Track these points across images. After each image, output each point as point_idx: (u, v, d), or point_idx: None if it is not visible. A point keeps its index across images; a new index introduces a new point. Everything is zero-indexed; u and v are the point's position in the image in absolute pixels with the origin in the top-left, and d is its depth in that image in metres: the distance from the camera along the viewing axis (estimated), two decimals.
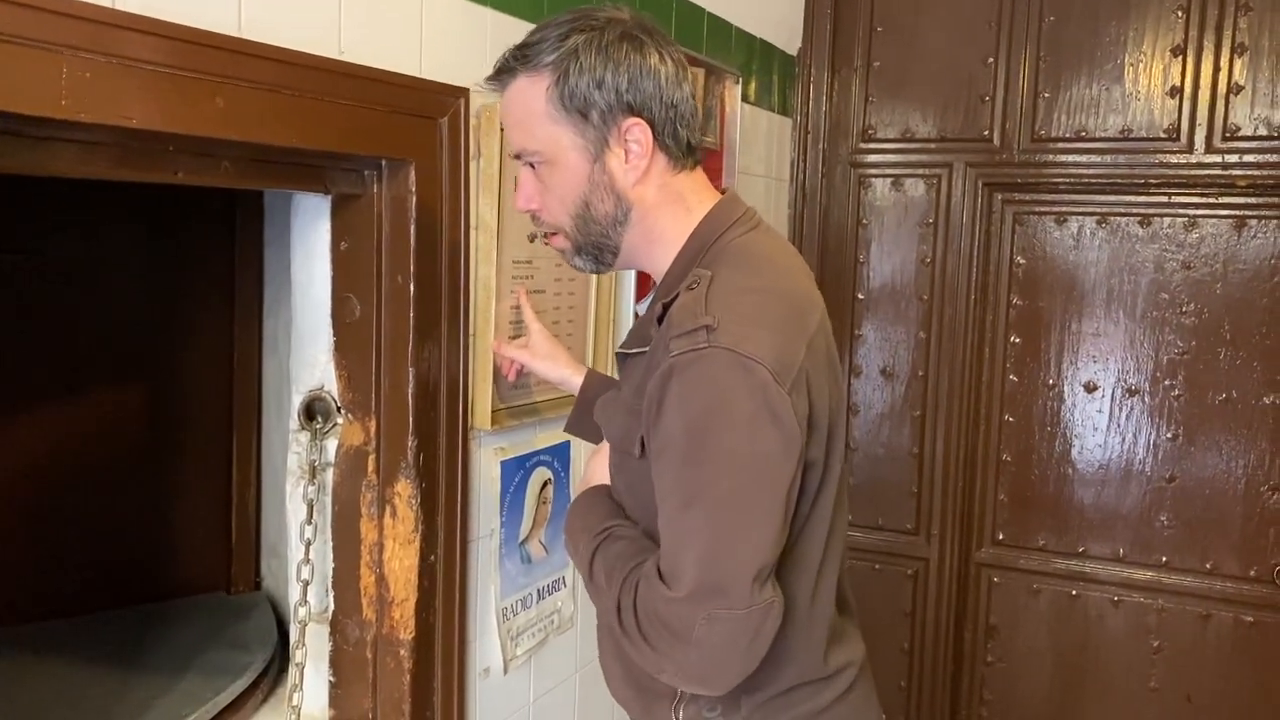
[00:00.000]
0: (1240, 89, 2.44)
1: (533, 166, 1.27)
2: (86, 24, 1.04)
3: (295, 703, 1.51)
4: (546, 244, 1.36)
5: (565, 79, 1.19)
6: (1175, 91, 2.49)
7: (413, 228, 1.51)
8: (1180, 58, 2.48)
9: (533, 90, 1.22)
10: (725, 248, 1.24)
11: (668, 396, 1.11)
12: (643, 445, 1.18)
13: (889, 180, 2.79)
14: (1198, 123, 2.48)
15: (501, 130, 1.58)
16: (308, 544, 1.55)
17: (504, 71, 1.25)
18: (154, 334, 1.87)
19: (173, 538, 1.92)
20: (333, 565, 1.61)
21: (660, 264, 1.29)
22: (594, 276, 1.89)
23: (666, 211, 1.27)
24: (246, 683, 1.61)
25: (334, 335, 1.57)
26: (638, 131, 1.21)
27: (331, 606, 1.62)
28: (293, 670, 1.52)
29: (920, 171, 2.75)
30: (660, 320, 1.19)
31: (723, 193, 1.32)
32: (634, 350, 1.26)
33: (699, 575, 1.09)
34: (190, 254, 1.89)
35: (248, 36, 1.22)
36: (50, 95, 1.02)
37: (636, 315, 1.44)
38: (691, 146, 1.27)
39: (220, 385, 1.93)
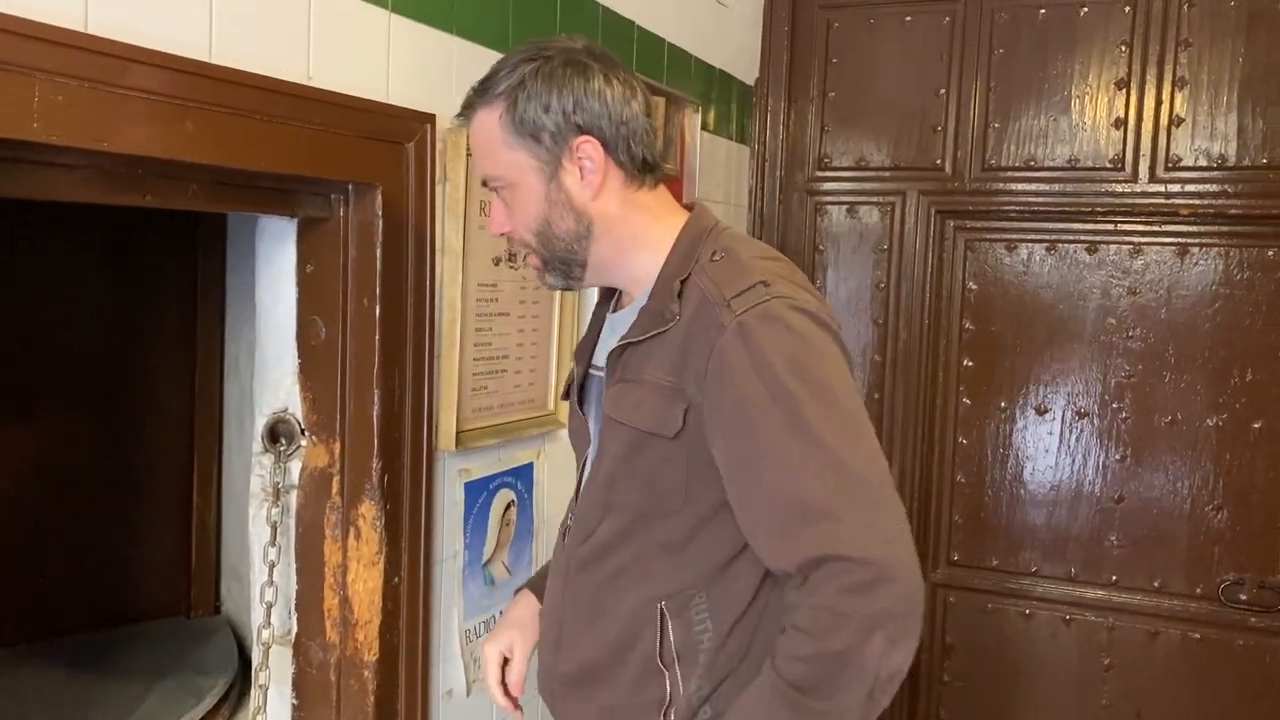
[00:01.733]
0: (1181, 121, 2.52)
1: (498, 191, 1.33)
2: (58, 48, 1.05)
3: None
4: (526, 265, 1.42)
5: (515, 106, 1.27)
6: (1120, 123, 2.57)
7: (379, 251, 1.52)
8: (1124, 90, 2.57)
9: (490, 120, 1.29)
10: (721, 234, 1.32)
11: (741, 354, 1.17)
12: (684, 420, 1.22)
13: (844, 207, 2.85)
14: (1141, 153, 2.56)
15: (468, 157, 1.61)
16: (271, 566, 1.56)
17: (467, 106, 1.33)
18: (114, 357, 1.86)
19: (132, 562, 1.90)
20: (296, 587, 1.61)
21: (637, 270, 1.33)
22: (556, 298, 1.91)
23: (634, 221, 1.32)
24: (208, 706, 1.61)
25: (299, 358, 1.58)
26: (588, 148, 1.28)
27: (294, 628, 1.61)
28: (256, 693, 1.52)
29: (874, 199, 2.81)
30: (679, 295, 1.25)
31: (688, 208, 1.38)
32: (648, 335, 1.27)
33: (854, 498, 1.13)
34: (151, 276, 1.89)
35: (218, 61, 1.23)
36: (22, 118, 1.03)
37: (598, 326, 1.47)
38: (648, 163, 1.32)
39: (181, 408, 1.92)
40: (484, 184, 1.36)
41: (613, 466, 1.32)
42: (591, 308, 1.99)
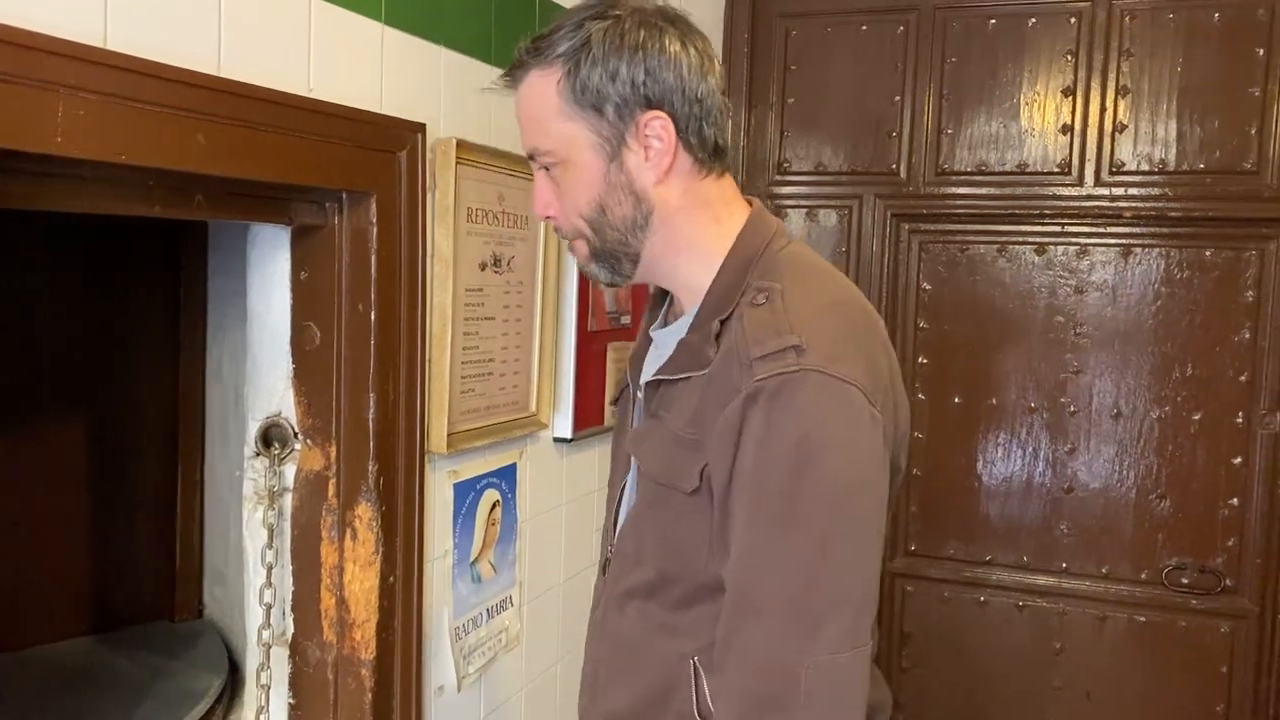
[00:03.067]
0: (1124, 127, 2.64)
1: (547, 169, 1.19)
2: (81, 64, 1.07)
3: None
4: (571, 252, 1.26)
5: (577, 71, 1.12)
6: (1067, 129, 2.68)
7: (374, 258, 1.55)
8: (1071, 98, 2.68)
9: (545, 84, 1.14)
10: (777, 258, 1.16)
11: (751, 424, 1.03)
12: (701, 478, 1.10)
13: (804, 211, 2.92)
14: (1087, 158, 2.68)
15: (458, 165, 1.65)
16: (269, 568, 1.58)
17: (516, 66, 1.18)
18: (96, 362, 1.86)
19: (116, 567, 1.91)
20: (292, 588, 1.63)
21: (688, 278, 1.20)
22: (538, 304, 1.96)
23: (694, 218, 1.18)
24: (205, 707, 1.62)
25: (293, 363, 1.60)
26: (658, 126, 1.13)
27: (290, 629, 1.64)
28: (258, 692, 1.55)
29: (833, 203, 2.90)
30: (718, 338, 1.11)
31: (749, 203, 1.24)
32: (680, 375, 1.15)
33: (790, 615, 1.02)
34: (134, 282, 1.90)
35: (226, 74, 1.26)
36: (46, 132, 1.05)
37: (648, 340, 1.32)
38: (719, 148, 1.18)
39: (165, 414, 1.93)
40: (530, 158, 1.21)
41: (641, 512, 1.23)
42: (570, 312, 2.06)
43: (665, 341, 1.24)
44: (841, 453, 1.03)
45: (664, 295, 1.32)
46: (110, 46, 1.11)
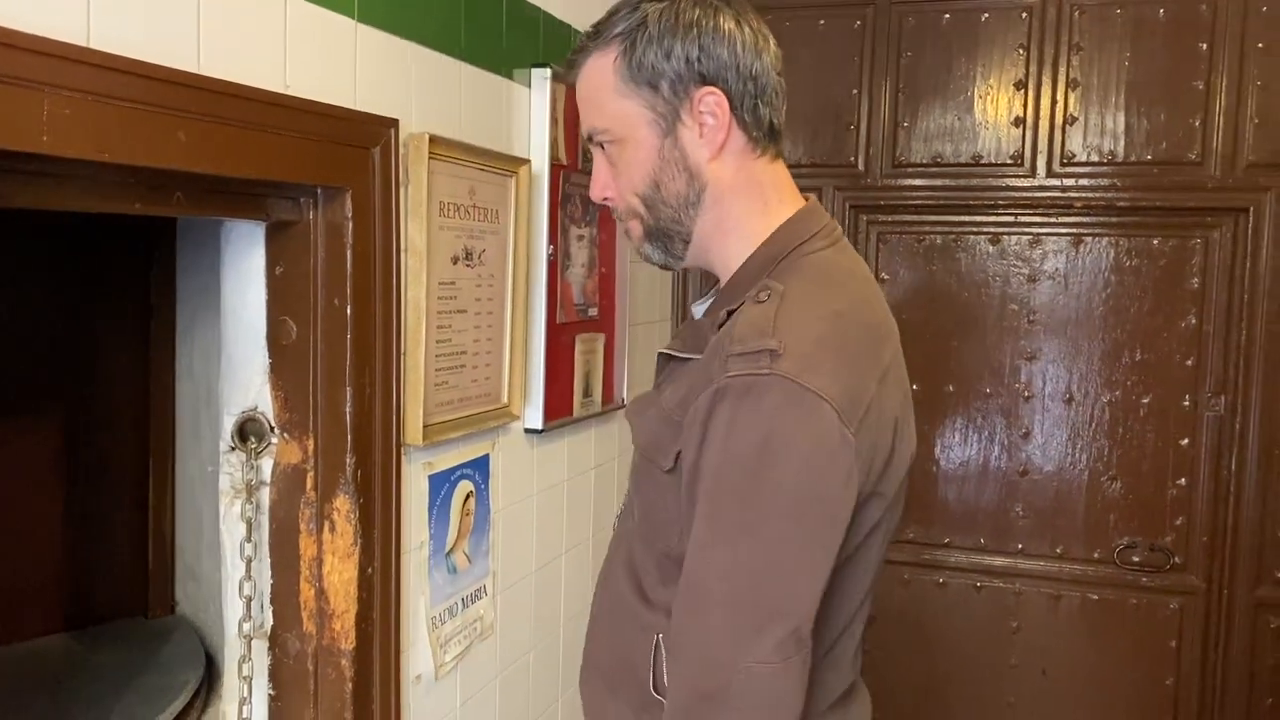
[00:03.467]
0: (1075, 120, 2.71)
1: (603, 148, 1.21)
2: (65, 63, 1.08)
3: (245, 715, 1.54)
4: (626, 236, 1.28)
5: (633, 50, 1.14)
6: (1019, 121, 2.76)
7: (349, 252, 1.57)
8: (1023, 91, 2.75)
9: (602, 65, 1.17)
10: (802, 261, 1.16)
11: (715, 420, 1.04)
12: (675, 461, 1.12)
13: None
14: (1039, 150, 2.75)
15: (430, 157, 1.67)
16: (248, 561, 1.59)
17: (578, 52, 1.21)
18: (67, 361, 1.86)
19: (90, 565, 1.91)
20: (270, 581, 1.64)
21: (731, 259, 1.20)
22: (508, 297, 1.98)
23: (743, 199, 1.18)
24: (185, 700, 1.63)
25: (270, 358, 1.61)
26: (712, 101, 1.14)
27: (269, 621, 1.65)
28: (240, 684, 1.56)
29: None
30: (720, 326, 1.13)
31: (806, 199, 1.25)
32: (684, 355, 1.19)
33: (731, 617, 1.03)
34: (103, 281, 1.89)
35: (206, 72, 1.27)
36: (32, 131, 1.06)
37: (691, 316, 1.32)
38: (774, 129, 1.19)
39: (136, 411, 1.93)
40: (589, 139, 1.23)
41: (635, 480, 1.27)
42: (539, 305, 2.08)
43: (696, 315, 1.27)
44: (799, 464, 1.02)
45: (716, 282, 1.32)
46: (93, 45, 1.12)
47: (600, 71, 1.18)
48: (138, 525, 1.96)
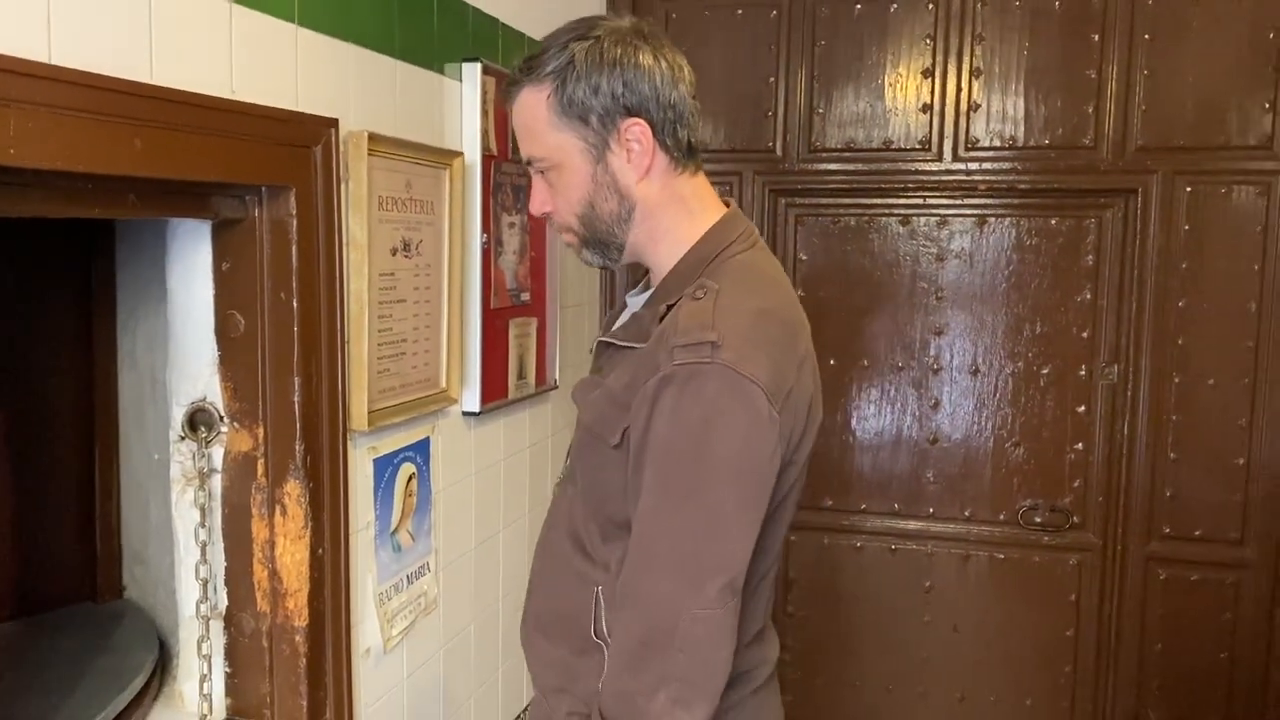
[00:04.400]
0: (978, 107, 2.87)
1: (542, 172, 1.36)
2: (30, 79, 1.13)
3: (206, 692, 1.62)
4: (568, 244, 1.43)
5: (564, 87, 1.28)
6: (927, 108, 2.90)
7: (294, 248, 1.63)
8: (930, 79, 2.89)
9: (536, 100, 1.31)
10: (730, 262, 1.32)
11: (662, 401, 1.19)
12: (622, 437, 1.26)
13: None
14: (945, 135, 2.90)
15: (370, 156, 1.74)
16: (203, 545, 1.66)
17: (513, 84, 1.35)
18: (9, 353, 1.89)
19: (36, 553, 1.94)
20: (225, 564, 1.71)
21: (664, 261, 1.37)
22: (445, 285, 2.06)
23: (670, 211, 1.35)
24: (143, 680, 1.69)
25: (219, 350, 1.67)
26: (637, 130, 1.29)
27: (224, 602, 1.72)
28: (200, 662, 1.63)
29: (715, 179, 2.96)
30: (661, 319, 1.29)
31: (726, 205, 1.41)
32: (626, 344, 1.34)
33: (677, 570, 1.18)
34: (43, 271, 1.92)
35: (158, 82, 1.33)
36: (1, 144, 1.12)
37: (624, 304, 1.49)
38: (692, 147, 1.35)
39: (80, 401, 1.96)
40: (527, 163, 1.39)
41: (578, 453, 1.40)
42: (474, 294, 2.16)
43: (633, 307, 1.43)
44: (736, 440, 1.19)
45: (644, 273, 1.49)
46: (54, 61, 1.18)
47: (535, 106, 1.32)
48: (84, 512, 2.00)
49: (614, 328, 1.44)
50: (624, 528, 1.30)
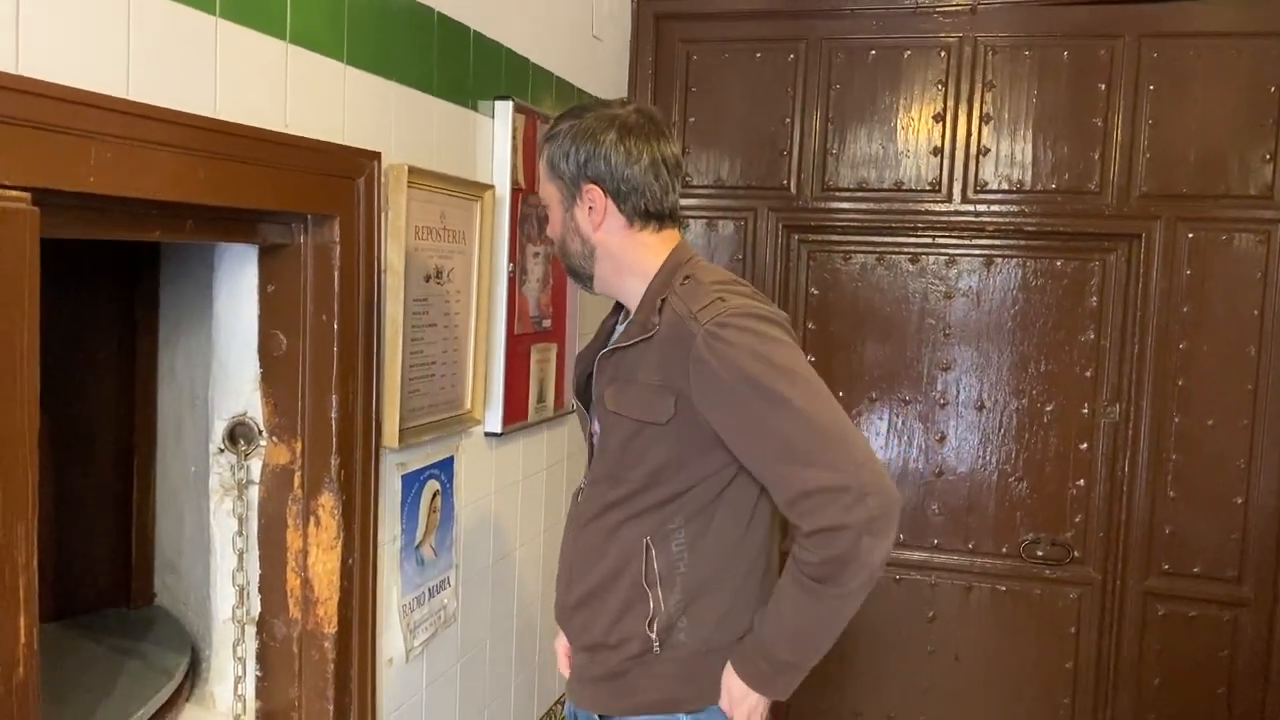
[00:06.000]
0: (987, 151, 2.96)
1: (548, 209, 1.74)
2: (109, 113, 1.23)
3: (240, 693, 1.70)
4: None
5: (551, 151, 1.68)
6: (937, 151, 3.00)
7: (336, 273, 1.73)
8: (941, 123, 2.99)
9: (542, 156, 1.71)
10: (694, 264, 1.68)
11: (716, 353, 1.50)
12: (675, 408, 1.55)
13: (704, 221, 3.18)
14: (955, 178, 2.99)
15: (409, 186, 1.84)
16: (240, 554, 1.75)
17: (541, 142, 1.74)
18: (56, 367, 1.98)
19: (75, 558, 2.03)
20: (259, 572, 1.80)
21: (631, 290, 1.69)
22: (473, 311, 2.15)
23: (631, 253, 1.68)
24: (178, 681, 1.77)
25: (261, 367, 1.77)
26: (593, 195, 1.65)
27: (257, 609, 1.81)
28: (234, 664, 1.71)
29: (730, 214, 3.16)
30: (660, 311, 1.59)
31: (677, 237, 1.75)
32: (636, 340, 1.62)
33: (827, 442, 1.45)
34: (89, 291, 2.02)
35: (221, 116, 1.43)
36: (81, 174, 1.21)
37: (606, 327, 1.85)
38: (649, 212, 1.67)
39: (121, 414, 2.06)
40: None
41: (619, 447, 1.66)
42: (499, 321, 2.26)
43: (620, 332, 1.74)
44: (786, 350, 1.53)
45: (620, 306, 1.81)
46: (133, 97, 1.27)
47: (541, 159, 1.72)
48: (120, 522, 2.08)
49: (610, 344, 1.70)
50: (669, 496, 1.62)
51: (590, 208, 1.66)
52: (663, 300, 1.60)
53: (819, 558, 1.48)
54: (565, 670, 1.88)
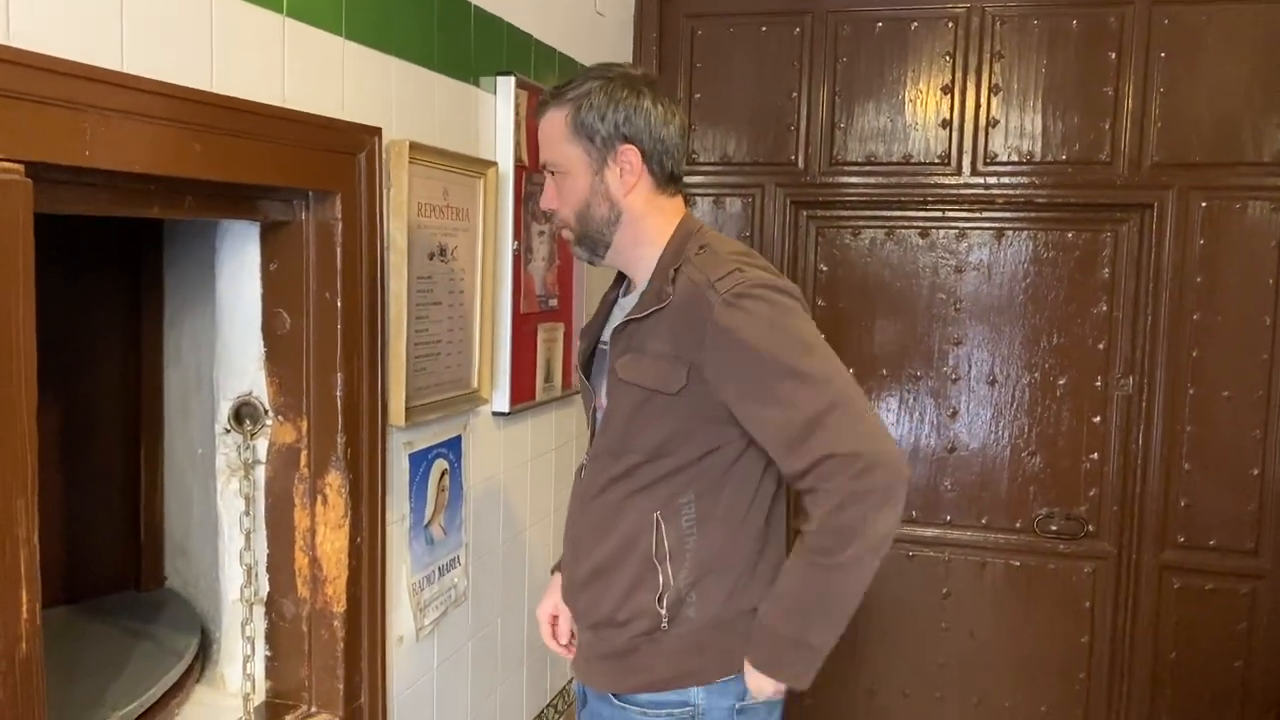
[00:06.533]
0: (996, 122, 2.93)
1: (552, 174, 1.66)
2: (105, 86, 1.22)
3: (249, 672, 1.69)
4: (560, 237, 1.75)
5: (579, 112, 1.60)
6: (946, 124, 2.97)
7: (339, 250, 1.72)
8: (949, 95, 2.96)
9: (558, 117, 1.62)
10: (705, 233, 1.67)
11: (734, 322, 1.49)
12: (687, 378, 1.53)
13: (710, 198, 3.16)
14: (964, 150, 2.96)
15: (410, 162, 1.82)
16: (247, 533, 1.74)
17: (543, 103, 1.66)
18: (59, 349, 1.97)
19: (83, 542, 2.03)
20: (267, 551, 1.79)
21: (646, 259, 1.66)
22: (478, 290, 2.14)
23: (650, 221, 1.65)
24: (188, 661, 1.77)
25: (265, 346, 1.76)
26: (629, 155, 1.61)
27: (265, 589, 1.80)
28: (243, 644, 1.71)
29: (737, 191, 3.13)
30: (673, 281, 1.57)
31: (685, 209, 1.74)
32: (648, 311, 1.59)
33: (840, 411, 1.45)
34: (92, 273, 2.01)
35: (218, 90, 1.42)
36: (78, 147, 1.20)
37: (608, 301, 1.83)
38: (674, 175, 1.66)
39: (127, 396, 2.05)
40: (541, 167, 1.69)
41: (625, 418, 1.63)
42: (505, 297, 2.25)
43: (629, 303, 1.69)
44: (801, 322, 1.54)
45: (622, 279, 1.80)
46: (126, 69, 1.26)
47: (556, 121, 1.63)
48: (129, 505, 2.08)
49: (622, 318, 1.65)
50: (677, 467, 1.60)
51: (623, 170, 1.62)
52: (676, 270, 1.58)
53: (821, 525, 1.47)
54: (548, 638, 1.91)
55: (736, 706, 1.66)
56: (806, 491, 1.50)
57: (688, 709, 1.65)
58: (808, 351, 1.51)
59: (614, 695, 1.71)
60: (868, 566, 1.50)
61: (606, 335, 1.71)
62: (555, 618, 1.91)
